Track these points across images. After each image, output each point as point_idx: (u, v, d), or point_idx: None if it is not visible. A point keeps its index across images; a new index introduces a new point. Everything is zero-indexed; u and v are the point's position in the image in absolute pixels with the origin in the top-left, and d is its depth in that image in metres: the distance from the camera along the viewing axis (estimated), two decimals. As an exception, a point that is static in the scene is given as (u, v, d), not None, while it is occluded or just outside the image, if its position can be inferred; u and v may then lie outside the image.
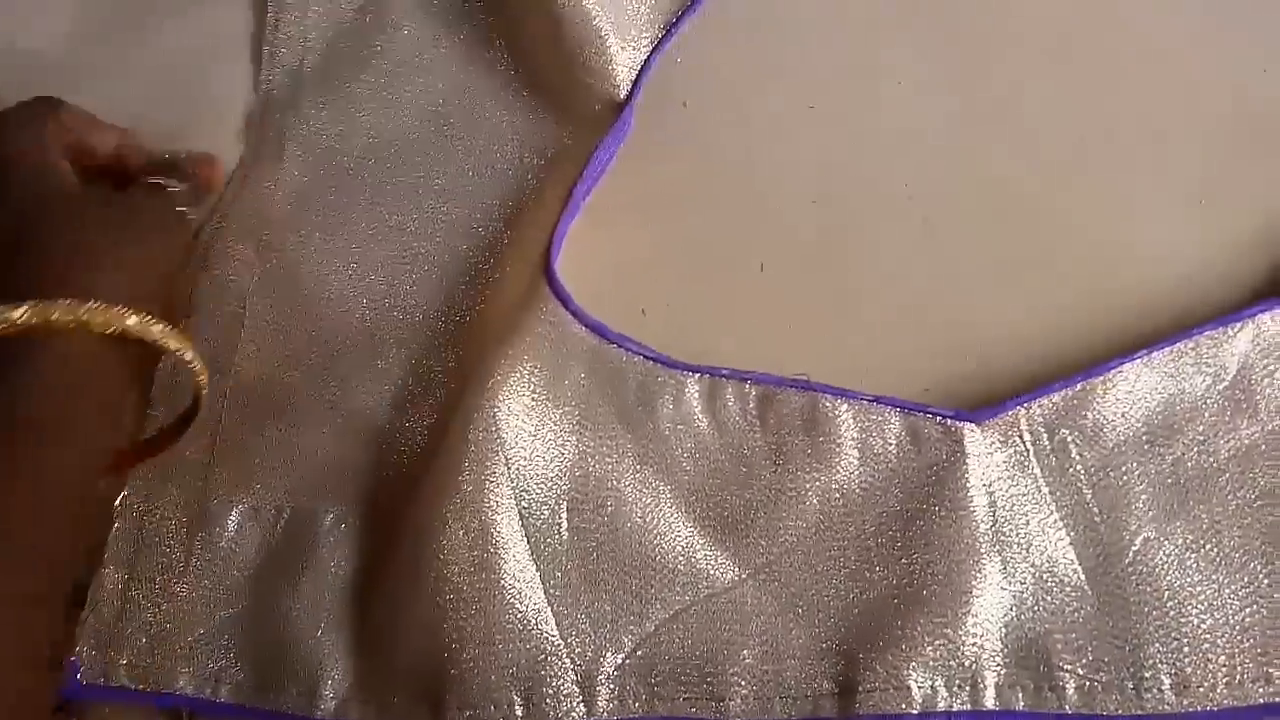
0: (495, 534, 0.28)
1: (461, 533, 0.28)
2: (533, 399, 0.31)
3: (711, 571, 0.30)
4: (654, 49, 0.36)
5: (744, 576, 0.30)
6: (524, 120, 0.37)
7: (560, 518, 0.30)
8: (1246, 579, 0.29)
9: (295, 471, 0.32)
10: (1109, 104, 0.35)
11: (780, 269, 0.35)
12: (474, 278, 0.35)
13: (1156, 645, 0.28)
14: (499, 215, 0.36)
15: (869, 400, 0.31)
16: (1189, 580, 0.29)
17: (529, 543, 0.29)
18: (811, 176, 0.35)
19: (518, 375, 0.31)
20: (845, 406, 0.31)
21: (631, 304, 0.34)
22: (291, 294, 0.35)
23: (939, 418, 0.31)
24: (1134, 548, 0.29)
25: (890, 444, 0.31)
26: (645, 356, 0.32)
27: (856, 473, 0.31)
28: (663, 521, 0.30)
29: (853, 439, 0.31)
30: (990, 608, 0.29)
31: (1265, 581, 0.29)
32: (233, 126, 0.38)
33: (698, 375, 0.32)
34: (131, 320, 0.27)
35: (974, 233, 0.34)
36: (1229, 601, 0.29)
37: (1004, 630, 0.29)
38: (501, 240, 0.36)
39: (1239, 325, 0.31)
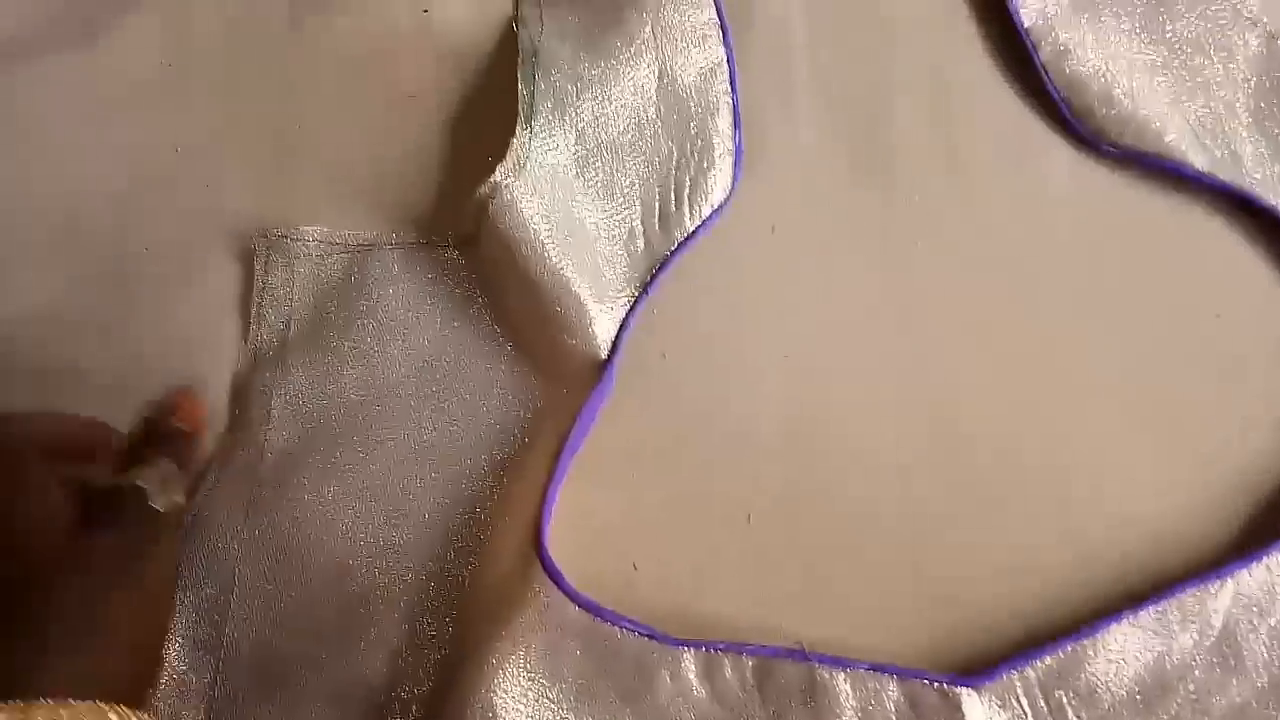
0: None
1: None
2: (529, 680, 0.31)
3: None
4: (631, 309, 0.38)
5: None
6: (509, 375, 0.38)
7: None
8: (1252, 845, 0.29)
9: (289, 757, 0.32)
10: (1079, 360, 0.36)
11: (766, 521, 0.35)
12: (465, 536, 0.35)
13: None
14: (487, 472, 0.36)
15: (865, 668, 0.31)
16: None
17: None
18: (791, 426, 0.36)
19: (514, 657, 0.31)
20: (843, 676, 0.31)
21: (621, 563, 0.34)
22: (282, 558, 0.35)
23: (936, 683, 0.31)
24: (1139, 816, 0.30)
25: (890, 712, 0.31)
26: (640, 633, 0.32)
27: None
28: None
29: (853, 709, 0.31)
30: None
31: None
32: (221, 388, 0.39)
33: (693, 649, 0.32)
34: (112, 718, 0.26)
35: (953, 482, 0.35)
36: None
37: None
38: (491, 496, 0.36)
39: (1219, 583, 0.32)
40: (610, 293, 0.37)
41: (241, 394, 0.39)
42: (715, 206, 0.38)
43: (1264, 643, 0.31)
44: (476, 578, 0.35)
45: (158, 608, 0.33)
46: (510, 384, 0.38)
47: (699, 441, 0.36)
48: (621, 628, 0.32)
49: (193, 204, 0.41)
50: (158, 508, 0.32)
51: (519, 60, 0.40)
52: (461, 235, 0.40)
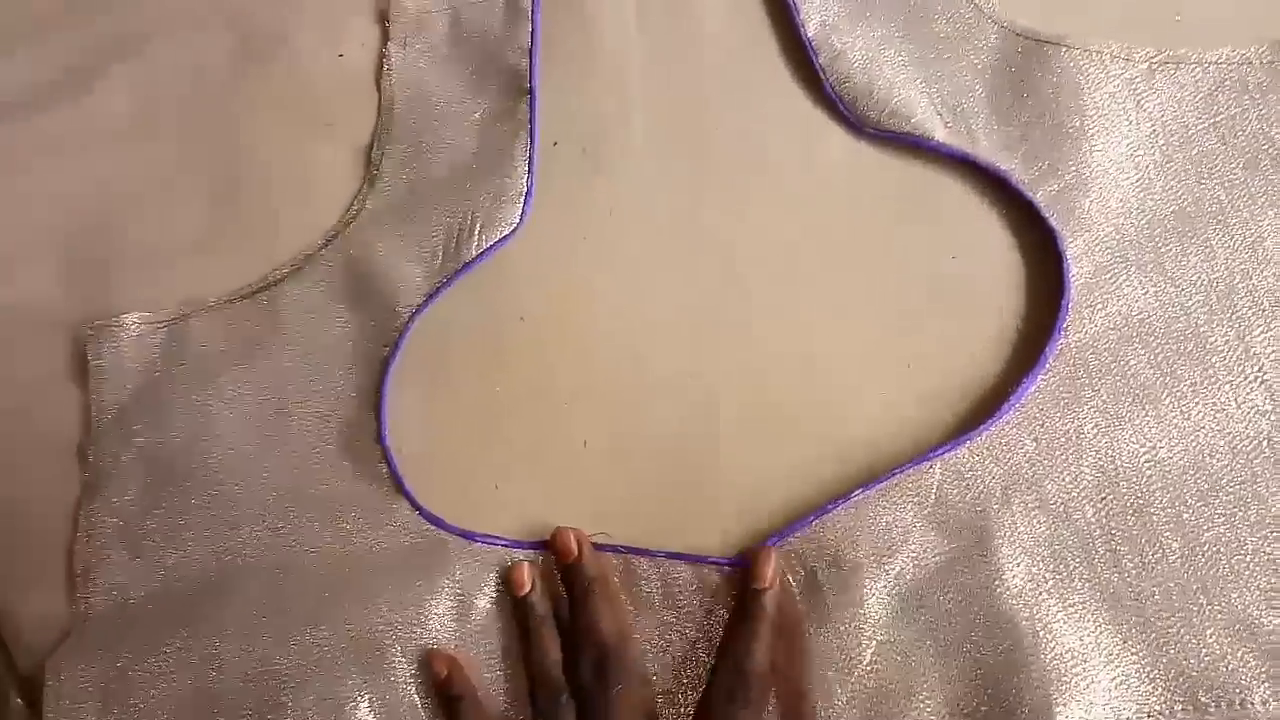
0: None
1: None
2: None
3: None
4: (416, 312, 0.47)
5: None
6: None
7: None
8: (970, 668, 0.37)
9: None
10: (850, 296, 0.45)
11: (599, 447, 0.44)
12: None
13: None
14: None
15: (663, 555, 0.41)
16: (915, 678, 0.37)
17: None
18: (622, 371, 0.45)
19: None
20: (646, 561, 0.41)
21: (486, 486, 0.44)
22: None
23: (717, 566, 0.40)
24: (870, 650, 0.38)
25: (684, 589, 0.40)
26: (492, 543, 0.42)
27: (662, 615, 0.40)
28: None
29: (656, 586, 0.40)
30: None
31: (990, 666, 0.37)
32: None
33: (535, 551, 0.42)
34: None
35: (747, 411, 0.44)
36: (954, 688, 0.37)
37: None
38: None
39: (931, 462, 0.40)
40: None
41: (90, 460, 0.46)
42: (500, 238, 0.47)
43: (968, 510, 0.39)
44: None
45: None
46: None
47: (552, 387, 0.46)
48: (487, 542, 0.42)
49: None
50: None
51: (376, 118, 0.52)
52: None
